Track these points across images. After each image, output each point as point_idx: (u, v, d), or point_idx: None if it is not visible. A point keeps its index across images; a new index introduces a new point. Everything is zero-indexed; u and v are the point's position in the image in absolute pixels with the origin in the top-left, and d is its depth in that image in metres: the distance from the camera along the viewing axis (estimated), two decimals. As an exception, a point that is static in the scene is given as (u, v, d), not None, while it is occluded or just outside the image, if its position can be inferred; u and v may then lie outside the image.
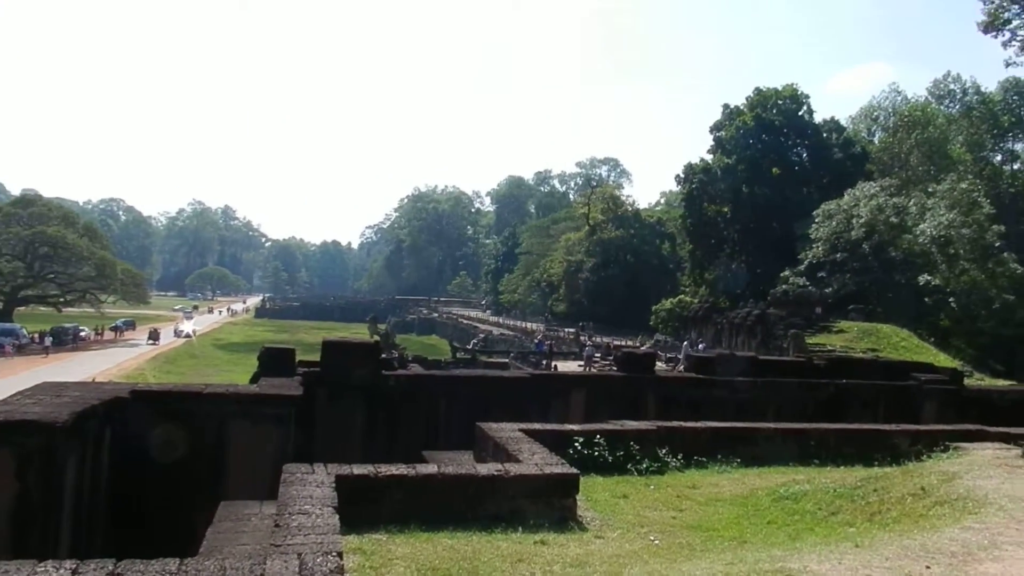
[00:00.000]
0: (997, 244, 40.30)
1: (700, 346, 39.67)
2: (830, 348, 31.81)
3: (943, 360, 28.97)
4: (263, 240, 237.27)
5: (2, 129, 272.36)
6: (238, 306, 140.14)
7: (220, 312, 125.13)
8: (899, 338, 33.81)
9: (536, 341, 53.89)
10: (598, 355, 39.49)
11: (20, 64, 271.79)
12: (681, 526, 6.81)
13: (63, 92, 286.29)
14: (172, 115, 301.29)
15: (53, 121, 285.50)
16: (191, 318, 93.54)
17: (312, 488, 5.54)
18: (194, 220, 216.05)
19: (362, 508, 5.86)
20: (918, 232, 41.58)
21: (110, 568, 3.36)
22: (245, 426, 10.06)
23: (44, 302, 72.35)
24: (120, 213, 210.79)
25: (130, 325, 79.22)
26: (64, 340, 60.13)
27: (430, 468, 6.61)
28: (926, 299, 40.25)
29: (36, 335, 58.81)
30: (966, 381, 20.20)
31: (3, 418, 7.34)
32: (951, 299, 39.74)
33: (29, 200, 77.39)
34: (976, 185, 44.05)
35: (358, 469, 6.29)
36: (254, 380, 12.47)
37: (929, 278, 39.88)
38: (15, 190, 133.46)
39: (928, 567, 4.68)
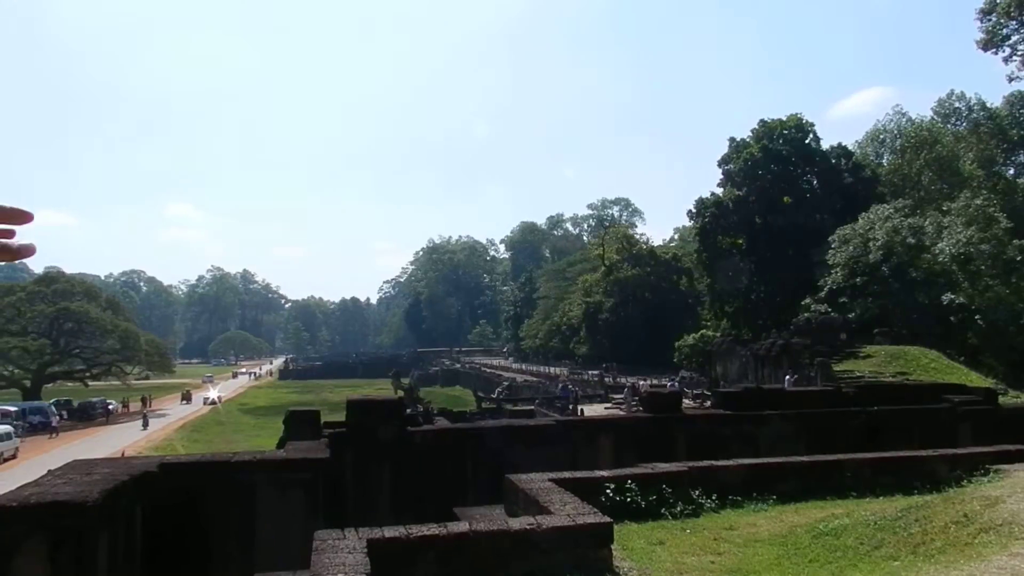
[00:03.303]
0: (1019, 258, 39.86)
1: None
2: (858, 374, 31.34)
3: (975, 379, 28.40)
4: (283, 302, 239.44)
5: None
6: (264, 368, 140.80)
7: (251, 375, 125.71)
8: (928, 359, 33.22)
9: (560, 386, 53.46)
10: (635, 400, 36.57)
11: (47, 147, 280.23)
12: (721, 570, 6.67)
13: (79, 172, 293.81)
14: (187, 183, 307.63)
15: (71, 200, 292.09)
16: (214, 383, 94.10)
17: (344, 555, 5.50)
18: (214, 287, 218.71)
19: (396, 572, 5.80)
20: (937, 251, 41.25)
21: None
22: (274, 493, 10.05)
23: (71, 377, 72.90)
24: (141, 284, 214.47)
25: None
26: (93, 414, 60.26)
27: (462, 526, 6.54)
28: (951, 318, 39.70)
29: (64, 411, 58.90)
30: (1001, 400, 19.82)
31: (35, 500, 7.37)
32: (977, 316, 39.18)
33: (52, 278, 78.77)
34: (991, 200, 43.76)
35: (389, 532, 6.24)
36: (281, 444, 12.49)
37: (953, 296, 39.41)
38: (38, 269, 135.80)
39: (979, 600, 4.55)
